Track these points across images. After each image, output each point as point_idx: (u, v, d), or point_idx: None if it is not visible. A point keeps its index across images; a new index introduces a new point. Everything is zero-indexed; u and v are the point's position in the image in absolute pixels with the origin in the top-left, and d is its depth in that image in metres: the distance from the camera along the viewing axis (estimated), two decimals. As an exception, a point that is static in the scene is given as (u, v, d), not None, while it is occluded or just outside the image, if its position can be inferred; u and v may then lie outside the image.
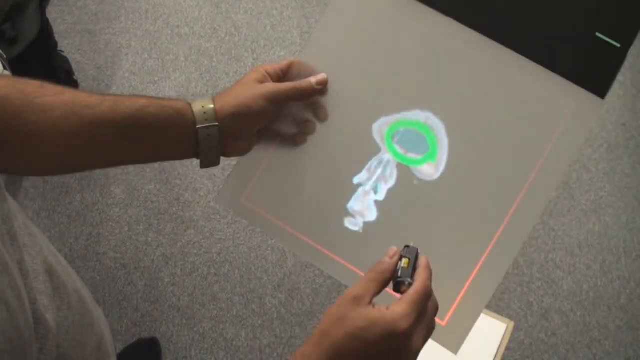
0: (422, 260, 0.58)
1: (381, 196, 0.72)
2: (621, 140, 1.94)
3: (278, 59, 2.10)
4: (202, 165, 0.68)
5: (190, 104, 0.65)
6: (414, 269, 0.57)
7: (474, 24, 0.69)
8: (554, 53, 0.68)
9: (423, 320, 0.54)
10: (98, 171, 1.91)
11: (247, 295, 1.75)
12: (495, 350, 1.37)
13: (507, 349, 1.56)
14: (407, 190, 0.71)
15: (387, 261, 0.57)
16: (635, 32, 0.66)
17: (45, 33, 1.82)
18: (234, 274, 1.78)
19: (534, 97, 0.68)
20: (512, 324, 1.42)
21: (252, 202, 0.75)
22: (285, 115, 0.72)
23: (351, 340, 0.52)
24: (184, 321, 1.72)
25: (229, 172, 0.70)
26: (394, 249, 0.58)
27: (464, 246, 0.68)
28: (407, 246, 0.59)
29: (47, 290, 0.45)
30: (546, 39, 0.68)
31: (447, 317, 0.68)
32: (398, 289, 0.56)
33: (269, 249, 1.80)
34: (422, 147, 0.71)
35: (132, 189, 1.89)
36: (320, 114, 0.73)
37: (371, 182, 0.72)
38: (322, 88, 0.71)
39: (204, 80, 2.06)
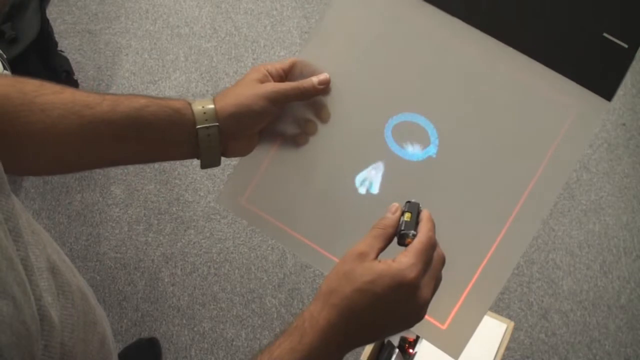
0: (424, 214, 0.58)
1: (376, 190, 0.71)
2: (621, 140, 1.94)
3: (278, 59, 2.10)
4: (203, 166, 0.68)
5: (190, 104, 0.65)
6: (417, 222, 0.57)
7: (479, 24, 0.68)
8: (560, 54, 0.67)
9: (430, 270, 0.54)
10: (98, 171, 1.91)
11: (247, 295, 1.75)
12: (495, 350, 1.37)
13: (507, 349, 1.56)
14: (408, 190, 0.71)
15: (390, 217, 0.57)
16: None
17: (45, 33, 1.82)
18: (234, 274, 1.78)
19: (539, 98, 0.67)
20: (512, 324, 1.42)
21: (252, 203, 0.74)
22: (287, 115, 0.72)
23: (360, 294, 0.52)
24: (184, 321, 1.72)
25: (229, 172, 0.70)
26: (396, 205, 0.59)
27: (466, 248, 0.67)
28: (409, 202, 0.59)
29: (51, 288, 0.45)
30: (553, 40, 0.67)
31: (448, 321, 0.68)
32: (402, 241, 0.56)
33: (269, 249, 1.80)
34: (423, 143, 0.71)
35: (132, 189, 1.89)
36: (322, 114, 0.72)
37: (370, 182, 0.72)
38: (324, 88, 0.70)
39: (204, 80, 2.06)
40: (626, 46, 0.65)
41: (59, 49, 1.96)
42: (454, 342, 0.67)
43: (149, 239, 1.82)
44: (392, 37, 0.72)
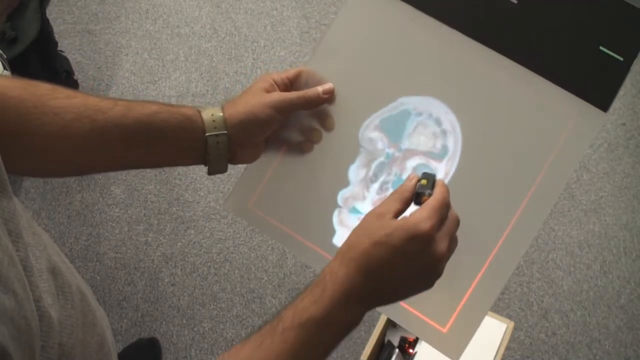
0: (439, 181, 0.61)
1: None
2: (621, 140, 1.94)
3: (278, 59, 2.10)
4: (210, 172, 0.69)
5: (199, 112, 0.66)
6: (433, 187, 0.60)
7: (480, 37, 0.70)
8: (557, 66, 0.68)
9: (444, 225, 0.57)
10: (98, 171, 1.91)
11: (247, 295, 1.75)
12: (495, 350, 1.37)
13: (507, 349, 1.56)
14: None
15: (408, 183, 0.61)
16: (639, 46, 0.66)
17: (45, 33, 1.82)
18: (234, 274, 1.78)
19: (536, 109, 0.69)
20: (512, 324, 1.42)
21: (259, 208, 0.76)
22: (292, 123, 0.73)
23: (377, 247, 0.54)
24: (184, 321, 1.72)
25: (229, 173, 0.71)
26: (414, 174, 0.62)
27: (467, 253, 0.68)
28: (425, 172, 0.63)
29: (51, 289, 0.45)
30: (550, 52, 0.69)
31: (449, 324, 0.69)
32: (419, 200, 0.59)
33: (269, 249, 1.80)
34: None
35: (132, 189, 1.89)
36: (326, 122, 0.73)
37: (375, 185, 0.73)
38: (328, 97, 0.72)
39: (204, 80, 2.06)
40: (621, 59, 0.67)
41: (59, 49, 1.96)
42: (454, 345, 0.69)
43: (149, 239, 1.82)
44: (398, 50, 0.73)
